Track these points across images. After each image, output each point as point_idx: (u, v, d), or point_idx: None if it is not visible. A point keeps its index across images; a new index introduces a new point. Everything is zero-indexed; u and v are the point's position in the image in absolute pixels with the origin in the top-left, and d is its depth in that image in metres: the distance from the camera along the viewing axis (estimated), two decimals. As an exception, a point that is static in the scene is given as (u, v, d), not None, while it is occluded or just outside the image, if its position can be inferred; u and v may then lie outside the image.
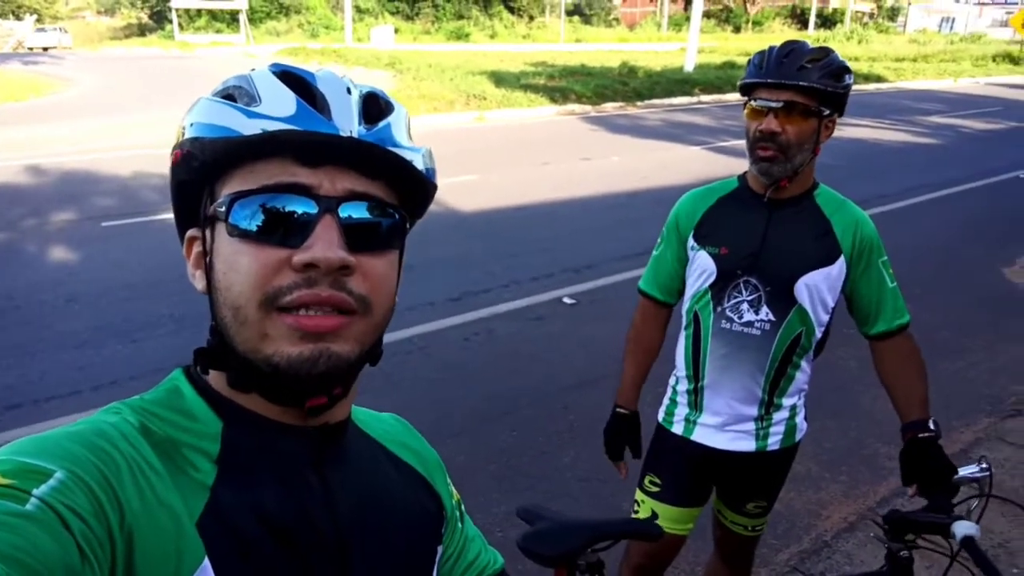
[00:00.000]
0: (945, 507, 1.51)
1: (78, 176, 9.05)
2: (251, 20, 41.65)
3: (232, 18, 43.64)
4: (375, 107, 0.65)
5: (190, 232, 0.68)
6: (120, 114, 13.15)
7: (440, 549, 0.79)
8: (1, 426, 3.57)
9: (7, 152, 10.38)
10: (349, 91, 0.63)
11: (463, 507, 0.89)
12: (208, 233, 0.63)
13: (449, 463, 0.88)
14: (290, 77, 0.63)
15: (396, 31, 39.74)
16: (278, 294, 0.58)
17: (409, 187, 0.66)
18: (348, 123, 0.60)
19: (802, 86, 1.62)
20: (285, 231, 0.59)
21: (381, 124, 0.63)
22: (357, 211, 0.61)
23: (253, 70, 0.65)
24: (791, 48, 1.68)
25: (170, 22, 43.10)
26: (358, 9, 42.19)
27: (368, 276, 0.61)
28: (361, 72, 20.76)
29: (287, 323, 0.58)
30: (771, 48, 1.71)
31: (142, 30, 49.65)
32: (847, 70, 1.68)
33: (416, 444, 0.83)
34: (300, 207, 0.59)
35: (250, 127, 0.59)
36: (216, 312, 0.63)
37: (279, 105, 0.60)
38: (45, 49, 37.85)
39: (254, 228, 0.59)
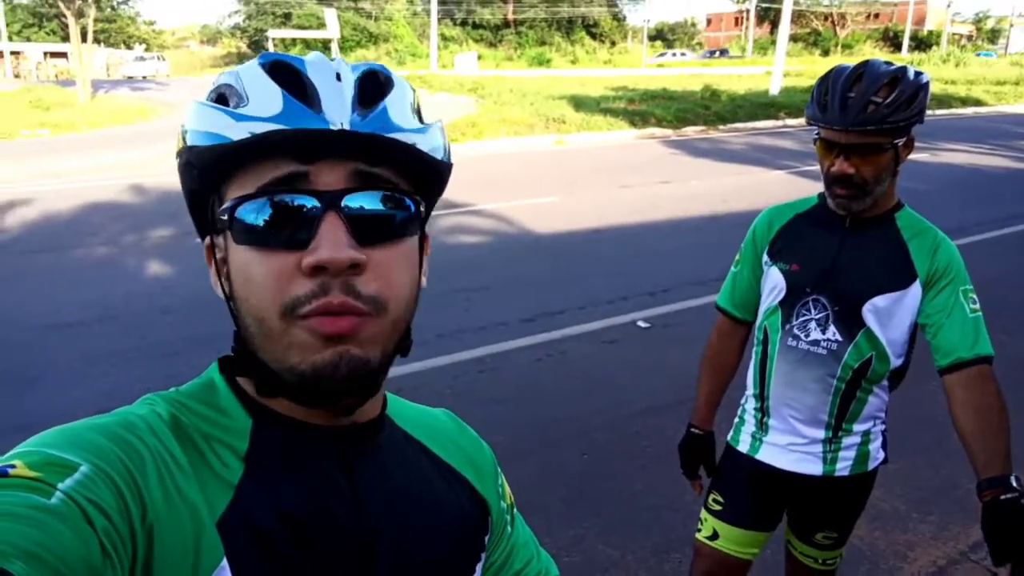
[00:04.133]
0: None
1: (177, 195, 9.31)
2: (342, 49, 43.29)
3: (324, 47, 45.41)
4: (374, 86, 0.61)
5: (207, 239, 0.66)
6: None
7: (483, 556, 0.76)
8: (95, 429, 3.76)
9: (114, 172, 11.07)
10: (339, 77, 0.60)
11: (515, 510, 0.85)
12: (222, 240, 0.62)
13: (517, 485, 0.85)
14: (278, 67, 0.60)
15: (480, 57, 40.52)
16: (296, 304, 0.57)
17: (416, 170, 0.62)
18: (339, 114, 0.57)
19: (871, 131, 1.54)
20: (291, 232, 0.57)
21: (377, 110, 0.59)
22: (363, 200, 0.58)
23: (244, 65, 0.62)
24: (855, 78, 1.56)
25: (267, 51, 45.20)
26: (443, 37, 43.29)
27: (380, 272, 0.58)
28: (445, 97, 21.21)
29: (308, 326, 0.57)
30: (835, 77, 1.60)
31: (241, 59, 52.32)
32: (922, 86, 1.57)
33: (466, 443, 0.80)
34: (302, 204, 0.57)
35: (238, 131, 0.56)
36: (239, 320, 0.62)
37: (265, 103, 0.57)
38: (144, 78, 40.11)
39: (259, 233, 0.57)
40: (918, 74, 1.59)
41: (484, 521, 0.76)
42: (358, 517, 0.64)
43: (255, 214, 0.57)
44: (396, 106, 0.61)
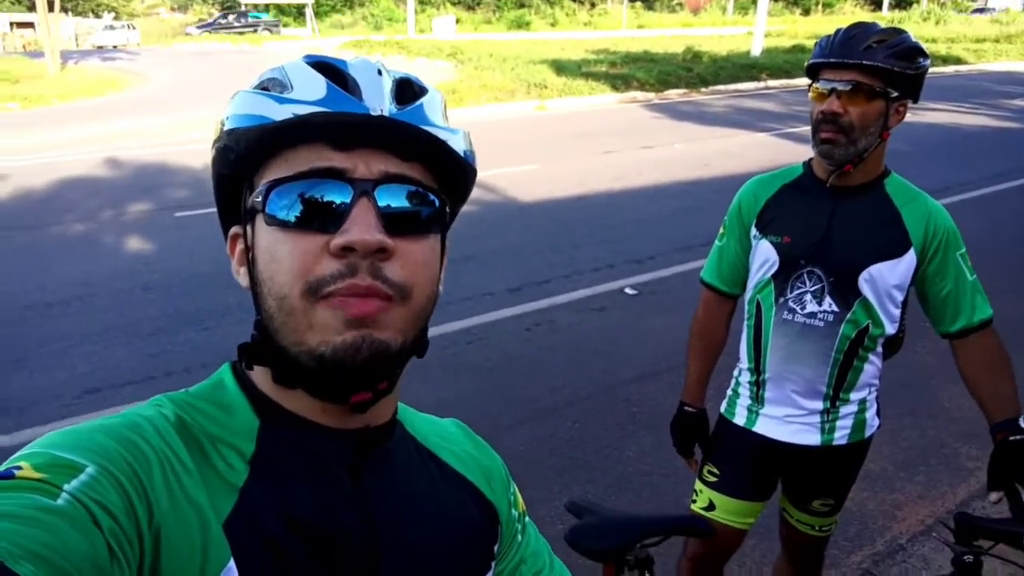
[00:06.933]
0: None
1: (153, 168, 9.38)
2: (317, 14, 42.43)
3: (299, 12, 44.54)
4: (408, 90, 0.64)
5: (233, 229, 0.67)
6: (192, 108, 13.55)
7: (492, 564, 0.75)
8: (80, 410, 3.73)
9: (87, 146, 10.84)
10: (380, 73, 0.63)
11: (528, 519, 0.84)
12: (249, 228, 0.63)
13: (509, 454, 0.84)
14: (323, 66, 0.63)
15: (457, 21, 39.89)
16: (320, 284, 0.57)
17: (446, 169, 0.65)
18: (379, 103, 0.60)
19: (866, 65, 1.57)
20: (322, 217, 0.58)
21: (414, 105, 0.62)
22: (394, 194, 0.60)
23: (288, 61, 0.65)
24: (859, 28, 1.62)
25: (239, 15, 44.16)
26: (420, 0, 42.51)
27: (407, 262, 0.60)
28: (423, 63, 20.89)
29: (331, 306, 0.58)
30: (839, 29, 1.66)
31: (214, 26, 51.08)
32: (921, 52, 1.61)
33: (477, 452, 0.79)
34: (335, 191, 0.59)
35: (281, 112, 0.59)
36: (260, 305, 0.62)
37: (310, 90, 0.60)
38: (115, 47, 39.07)
39: (291, 216, 0.59)
40: (917, 42, 1.63)
41: (493, 529, 0.76)
42: (365, 523, 0.64)
43: (289, 197, 0.59)
44: (430, 106, 0.63)
